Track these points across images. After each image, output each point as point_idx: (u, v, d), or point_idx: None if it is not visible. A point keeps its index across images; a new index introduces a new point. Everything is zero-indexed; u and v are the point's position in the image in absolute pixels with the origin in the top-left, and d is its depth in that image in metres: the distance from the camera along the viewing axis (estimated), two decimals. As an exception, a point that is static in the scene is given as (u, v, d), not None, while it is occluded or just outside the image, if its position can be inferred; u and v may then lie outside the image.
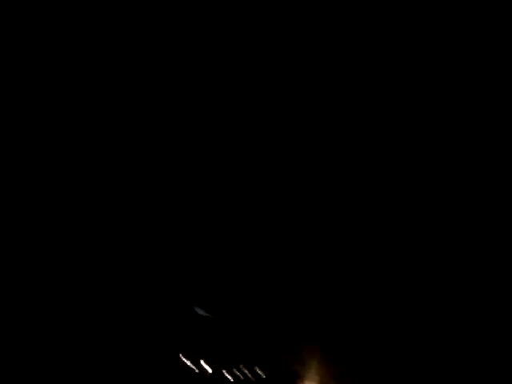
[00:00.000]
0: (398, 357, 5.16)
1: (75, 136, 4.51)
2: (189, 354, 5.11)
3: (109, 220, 4.77)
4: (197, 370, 5.08)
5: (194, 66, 4.45)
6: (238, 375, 5.29)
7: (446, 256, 4.97)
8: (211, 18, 4.24)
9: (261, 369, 5.41)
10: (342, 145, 4.73)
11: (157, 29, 4.33)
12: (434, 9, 3.90)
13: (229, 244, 5.20)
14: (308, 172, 4.89)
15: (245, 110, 4.61)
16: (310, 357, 5.37)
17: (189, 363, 5.05)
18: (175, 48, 4.40)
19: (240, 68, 4.43)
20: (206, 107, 4.61)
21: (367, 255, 5.20)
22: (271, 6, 4.09)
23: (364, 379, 5.27)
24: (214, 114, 4.63)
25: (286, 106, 4.57)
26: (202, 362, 5.12)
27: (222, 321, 5.34)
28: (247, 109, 4.61)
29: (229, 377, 5.20)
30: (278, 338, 5.42)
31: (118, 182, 4.77)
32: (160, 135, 4.66)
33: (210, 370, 5.15)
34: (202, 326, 5.26)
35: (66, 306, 4.60)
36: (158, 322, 5.00)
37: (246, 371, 5.32)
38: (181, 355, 5.04)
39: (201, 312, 5.26)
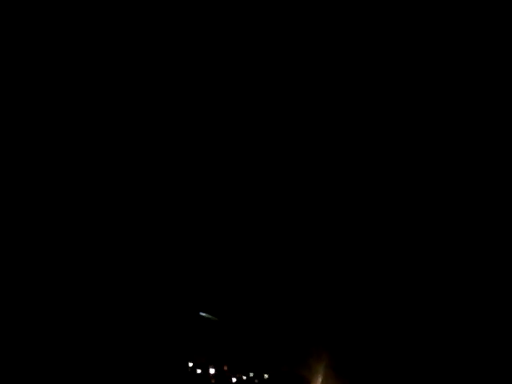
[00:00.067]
0: (405, 361, 5.10)
1: (75, 136, 4.51)
2: (195, 358, 5.06)
3: (113, 226, 4.76)
4: (203, 374, 5.04)
5: (194, 66, 4.47)
6: (244, 379, 5.24)
7: (447, 258, 4.95)
8: (211, 18, 4.26)
9: (268, 373, 5.35)
10: (342, 145, 4.73)
11: (157, 29, 4.36)
12: (434, 9, 3.92)
13: (237, 249, 5.17)
14: (308, 172, 4.88)
15: (245, 110, 4.62)
16: (317, 361, 5.31)
17: (195, 367, 5.01)
18: (175, 48, 4.42)
19: (240, 68, 4.45)
20: (205, 107, 4.62)
21: (376, 263, 5.16)
22: (271, 6, 4.12)
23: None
24: (214, 114, 4.64)
25: (286, 106, 4.58)
26: (209, 365, 5.07)
27: (230, 325, 5.30)
28: (247, 109, 4.61)
29: (235, 380, 5.15)
30: (286, 342, 5.37)
31: (121, 187, 4.75)
32: (160, 135, 4.67)
33: (216, 374, 5.10)
34: (208, 330, 5.22)
35: (68, 310, 4.57)
36: (165, 326, 4.96)
37: (253, 375, 5.27)
38: (187, 359, 5.00)
39: (206, 316, 5.23)
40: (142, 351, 4.78)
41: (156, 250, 5.01)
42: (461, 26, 3.95)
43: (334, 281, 5.31)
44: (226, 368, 5.14)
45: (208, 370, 5.11)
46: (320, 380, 5.27)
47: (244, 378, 5.26)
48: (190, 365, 5.05)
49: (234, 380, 5.18)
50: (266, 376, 5.34)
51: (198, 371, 5.09)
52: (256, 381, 5.29)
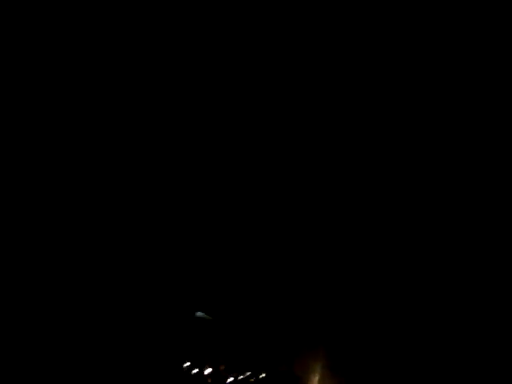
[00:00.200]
0: (402, 361, 5.10)
1: (75, 136, 4.50)
2: (191, 357, 5.05)
3: (106, 225, 4.74)
4: (199, 373, 5.02)
5: (194, 66, 4.45)
6: (240, 379, 5.22)
7: (445, 258, 4.95)
8: (211, 18, 4.24)
9: (264, 373, 5.33)
10: (342, 145, 4.72)
11: (157, 29, 4.33)
12: (434, 9, 3.90)
13: (232, 248, 5.16)
14: (308, 173, 4.86)
15: (245, 110, 4.60)
16: (313, 361, 5.31)
17: (191, 367, 4.99)
18: (175, 48, 4.40)
19: (240, 68, 4.43)
20: (205, 107, 4.60)
21: (373, 263, 5.16)
22: (271, 6, 4.10)
23: (367, 384, 5.22)
24: (214, 114, 4.62)
25: (286, 107, 4.56)
26: (205, 365, 5.05)
27: (226, 324, 5.29)
28: (247, 109, 4.59)
29: (231, 379, 5.12)
30: (283, 342, 5.37)
31: (118, 187, 4.74)
32: (160, 135, 4.65)
33: (212, 374, 5.08)
34: (204, 329, 5.21)
35: (63, 308, 4.55)
36: (160, 326, 4.94)
37: (249, 375, 5.25)
38: (183, 359, 4.98)
39: (202, 315, 5.21)
40: (138, 351, 4.76)
41: (150, 250, 4.99)
42: (461, 26, 3.94)
43: (331, 280, 5.31)
44: (222, 367, 5.11)
45: (204, 370, 5.08)
46: (316, 380, 5.27)
47: (240, 377, 5.23)
48: (186, 364, 5.02)
49: (230, 379, 5.15)
50: (262, 375, 5.32)
51: (195, 371, 5.06)
52: (252, 380, 5.27)
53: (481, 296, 4.87)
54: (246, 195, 5.02)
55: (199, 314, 5.22)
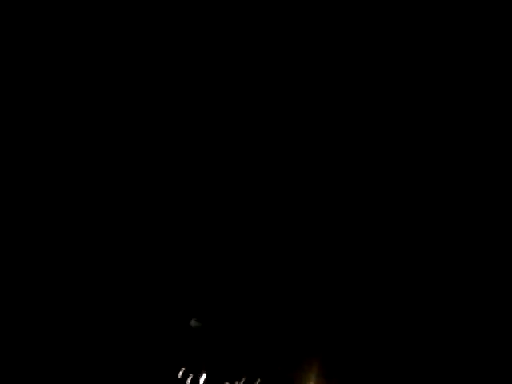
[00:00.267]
0: (397, 369, 5.10)
1: (75, 136, 4.49)
2: (186, 364, 4.99)
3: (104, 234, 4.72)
4: (194, 380, 4.95)
5: (194, 66, 4.48)
6: (235, 386, 5.15)
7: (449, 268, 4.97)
8: (211, 18, 4.28)
9: (259, 380, 5.29)
10: (342, 145, 4.75)
11: (157, 29, 4.36)
12: (434, 9, 3.97)
13: (225, 253, 5.14)
14: (307, 175, 4.88)
15: (245, 110, 4.62)
16: (308, 369, 5.29)
17: (186, 373, 4.93)
18: (175, 48, 4.43)
19: (240, 68, 4.46)
20: (205, 107, 4.62)
21: (370, 268, 5.17)
22: (271, 6, 4.14)
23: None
24: (214, 114, 4.64)
25: (286, 107, 4.59)
26: (200, 371, 5.00)
27: (221, 332, 5.25)
28: (247, 109, 4.62)
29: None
30: (278, 350, 5.34)
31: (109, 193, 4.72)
32: (160, 136, 4.65)
33: (207, 381, 5.02)
34: (198, 336, 5.17)
35: (59, 319, 4.51)
36: (154, 333, 4.89)
37: (245, 381, 5.19)
38: (178, 366, 4.92)
39: (195, 324, 5.17)
40: (132, 358, 4.70)
41: (142, 256, 4.96)
42: (461, 26, 4.01)
43: (326, 287, 5.30)
44: (217, 374, 5.05)
45: (199, 377, 5.02)
46: (311, 388, 5.23)
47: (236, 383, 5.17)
48: (181, 372, 4.97)
49: (224, 386, 5.07)
50: (257, 382, 5.27)
51: (189, 378, 5.00)
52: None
53: (480, 298, 4.88)
54: (241, 206, 5.04)
55: (193, 320, 5.18)
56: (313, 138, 4.75)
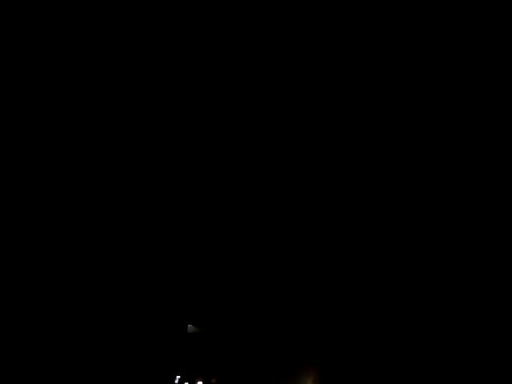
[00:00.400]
0: (394, 376, 5.01)
1: (75, 136, 4.48)
2: (183, 370, 4.91)
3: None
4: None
5: (194, 66, 4.47)
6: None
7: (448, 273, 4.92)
8: (211, 18, 4.29)
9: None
10: (342, 145, 4.74)
11: (157, 29, 4.37)
12: (434, 9, 3.99)
13: (224, 261, 5.11)
14: (307, 176, 4.86)
15: (245, 110, 4.61)
16: (305, 376, 5.22)
17: (182, 380, 4.84)
18: (175, 48, 4.43)
19: (240, 68, 4.46)
20: (205, 108, 4.61)
21: (366, 274, 5.14)
22: (271, 6, 4.16)
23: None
24: (214, 114, 4.62)
25: (286, 107, 4.58)
26: (196, 378, 4.90)
27: (217, 338, 5.18)
28: (247, 109, 4.61)
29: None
30: (274, 357, 5.27)
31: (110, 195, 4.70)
32: (160, 136, 4.64)
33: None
34: (195, 342, 5.10)
35: (56, 323, 4.47)
36: (151, 338, 4.82)
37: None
38: (174, 372, 4.84)
39: (192, 330, 5.11)
40: (129, 364, 4.65)
41: (139, 261, 4.93)
42: (461, 26, 4.02)
43: (323, 294, 5.27)
44: (213, 381, 4.94)
45: (195, 383, 4.93)
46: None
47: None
48: (178, 378, 4.89)
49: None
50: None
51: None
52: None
53: (480, 301, 4.82)
54: (240, 211, 5.02)
55: (190, 326, 5.11)
56: (312, 138, 4.75)
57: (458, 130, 4.48)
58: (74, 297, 4.51)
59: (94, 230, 4.67)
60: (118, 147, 4.63)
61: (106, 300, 4.65)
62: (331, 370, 5.10)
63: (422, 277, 5.04)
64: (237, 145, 4.75)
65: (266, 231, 5.08)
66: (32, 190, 4.40)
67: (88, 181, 4.57)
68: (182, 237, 4.98)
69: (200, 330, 5.04)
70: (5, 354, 4.11)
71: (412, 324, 4.99)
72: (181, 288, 5.00)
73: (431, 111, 4.46)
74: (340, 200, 5.02)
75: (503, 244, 4.63)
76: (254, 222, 5.03)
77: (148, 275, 4.87)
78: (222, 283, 5.11)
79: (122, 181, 4.70)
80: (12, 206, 4.31)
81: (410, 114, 4.49)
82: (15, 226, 4.33)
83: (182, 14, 4.29)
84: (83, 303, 4.56)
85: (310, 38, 4.24)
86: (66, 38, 4.36)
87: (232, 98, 4.58)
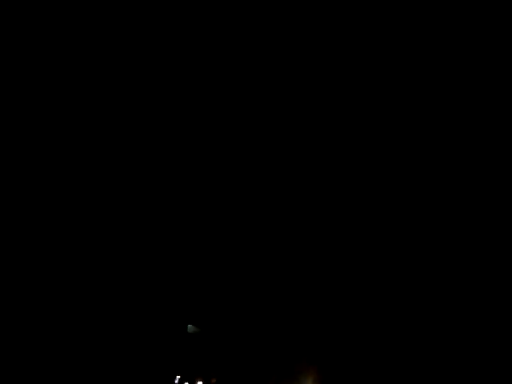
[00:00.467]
0: (393, 376, 5.09)
1: (75, 136, 4.36)
2: (182, 371, 4.95)
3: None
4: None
5: (194, 66, 4.32)
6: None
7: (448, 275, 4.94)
8: (211, 18, 4.10)
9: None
10: (342, 145, 4.67)
11: (157, 29, 4.18)
12: (434, 9, 3.83)
13: (223, 262, 5.10)
14: (306, 177, 4.80)
15: (245, 110, 4.49)
16: (304, 377, 5.29)
17: (182, 380, 4.88)
18: (175, 48, 4.26)
19: (240, 68, 4.31)
20: (205, 108, 4.49)
21: (366, 274, 5.17)
22: (271, 6, 3.96)
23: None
24: (214, 114, 4.51)
25: (286, 107, 4.47)
26: (196, 379, 4.95)
27: (217, 338, 5.21)
28: (247, 109, 4.49)
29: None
30: (274, 357, 5.33)
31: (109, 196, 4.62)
32: (160, 136, 4.54)
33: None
34: (195, 342, 5.13)
35: (55, 323, 4.43)
36: (151, 339, 4.84)
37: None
38: (174, 372, 4.88)
39: (192, 330, 5.13)
40: (129, 364, 4.68)
41: (138, 261, 4.90)
42: (461, 26, 3.88)
43: (322, 295, 5.30)
44: (214, 381, 4.99)
45: (195, 383, 4.98)
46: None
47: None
48: (178, 378, 4.93)
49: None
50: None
51: (185, 384, 4.95)
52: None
53: (479, 302, 4.87)
54: (239, 213, 4.97)
55: (190, 326, 5.13)
56: (312, 138, 4.66)
57: (457, 129, 4.40)
58: (74, 297, 4.53)
59: (93, 230, 4.64)
60: (118, 147, 4.53)
61: (106, 300, 4.65)
62: (331, 370, 5.17)
63: (421, 277, 5.07)
64: (237, 145, 4.66)
65: (266, 231, 5.07)
66: (32, 190, 4.38)
67: (88, 181, 4.52)
68: (181, 237, 4.95)
69: (200, 329, 5.05)
70: (5, 354, 4.13)
71: (412, 324, 5.05)
72: (181, 288, 5.00)
73: (431, 111, 4.37)
74: (340, 200, 4.99)
75: (503, 244, 4.64)
76: (254, 222, 5.02)
77: (148, 275, 4.87)
78: (221, 283, 5.11)
79: (122, 181, 4.65)
80: (12, 206, 4.26)
81: (409, 113, 4.39)
82: (15, 226, 4.32)
83: (182, 14, 4.10)
84: (83, 303, 4.57)
85: (310, 38, 4.09)
86: (66, 38, 4.22)
87: (232, 98, 4.46)
